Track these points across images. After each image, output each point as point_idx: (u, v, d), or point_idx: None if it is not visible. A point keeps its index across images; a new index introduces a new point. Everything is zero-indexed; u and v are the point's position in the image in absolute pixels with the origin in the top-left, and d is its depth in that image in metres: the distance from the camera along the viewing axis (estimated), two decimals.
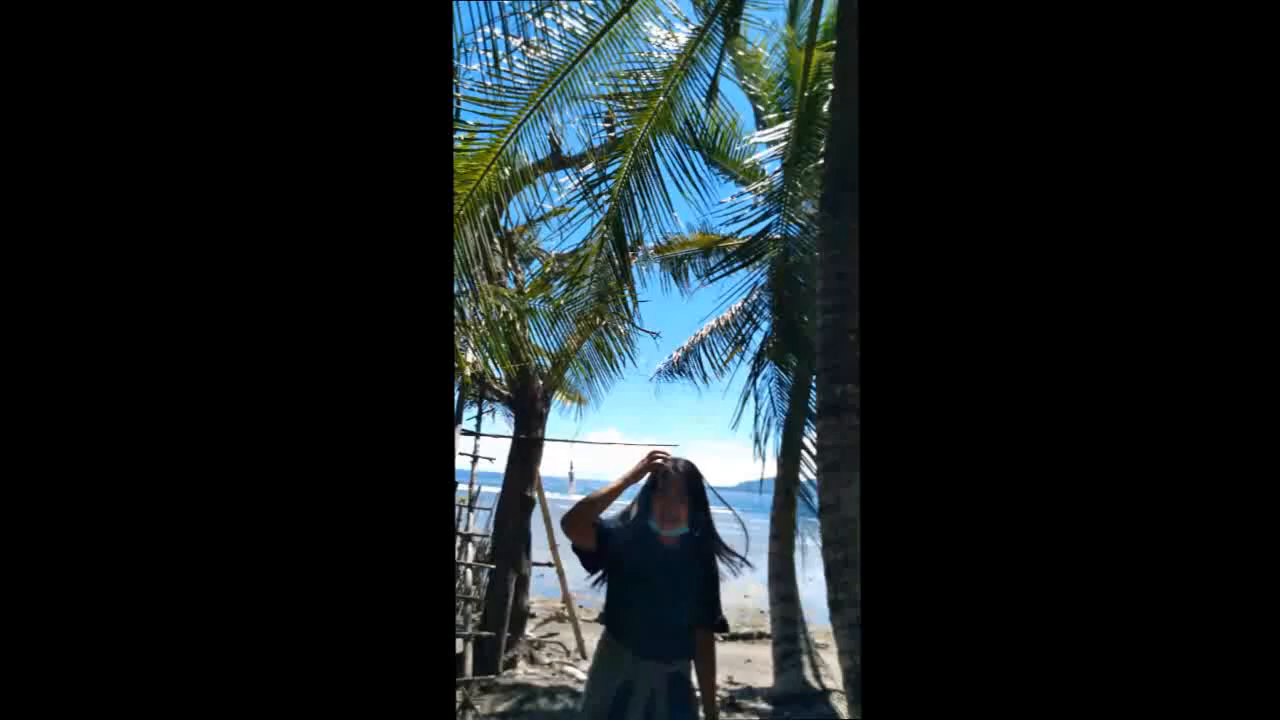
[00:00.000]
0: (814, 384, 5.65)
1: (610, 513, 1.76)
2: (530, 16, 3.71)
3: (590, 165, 4.82)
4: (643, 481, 1.74)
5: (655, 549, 1.72)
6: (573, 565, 7.01)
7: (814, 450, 5.31)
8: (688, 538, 1.74)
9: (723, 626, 1.82)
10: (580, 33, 3.96)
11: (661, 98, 4.46)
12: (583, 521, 1.70)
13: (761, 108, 5.98)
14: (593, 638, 6.61)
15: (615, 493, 1.70)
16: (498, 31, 3.60)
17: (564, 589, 6.52)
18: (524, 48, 3.86)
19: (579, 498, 1.72)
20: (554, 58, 3.95)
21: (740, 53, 5.42)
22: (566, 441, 6.58)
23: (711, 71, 4.49)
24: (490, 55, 3.68)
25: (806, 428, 6.03)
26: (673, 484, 1.72)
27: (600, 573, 1.77)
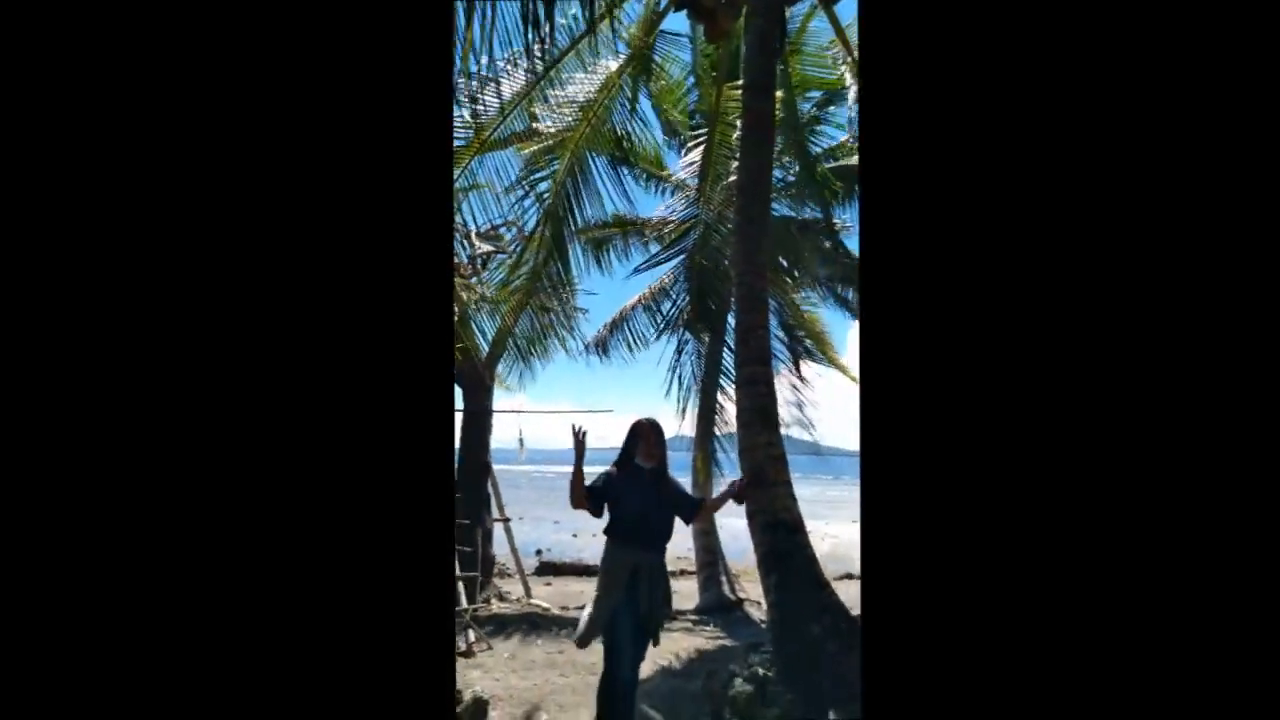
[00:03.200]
0: (728, 359, 6.92)
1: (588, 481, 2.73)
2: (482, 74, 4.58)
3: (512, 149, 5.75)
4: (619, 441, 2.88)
5: (642, 475, 2.81)
6: (520, 526, 7.87)
7: (731, 412, 6.56)
8: (659, 467, 2.84)
9: (702, 503, 3.02)
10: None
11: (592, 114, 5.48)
12: (579, 502, 2.72)
13: (679, 132, 7.16)
14: (536, 586, 7.51)
15: (579, 466, 2.68)
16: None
17: (511, 544, 7.37)
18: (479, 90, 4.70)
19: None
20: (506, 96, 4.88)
21: (659, 88, 6.44)
22: (514, 412, 7.46)
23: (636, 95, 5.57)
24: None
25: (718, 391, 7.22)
26: (649, 432, 2.84)
27: (605, 511, 2.79)
